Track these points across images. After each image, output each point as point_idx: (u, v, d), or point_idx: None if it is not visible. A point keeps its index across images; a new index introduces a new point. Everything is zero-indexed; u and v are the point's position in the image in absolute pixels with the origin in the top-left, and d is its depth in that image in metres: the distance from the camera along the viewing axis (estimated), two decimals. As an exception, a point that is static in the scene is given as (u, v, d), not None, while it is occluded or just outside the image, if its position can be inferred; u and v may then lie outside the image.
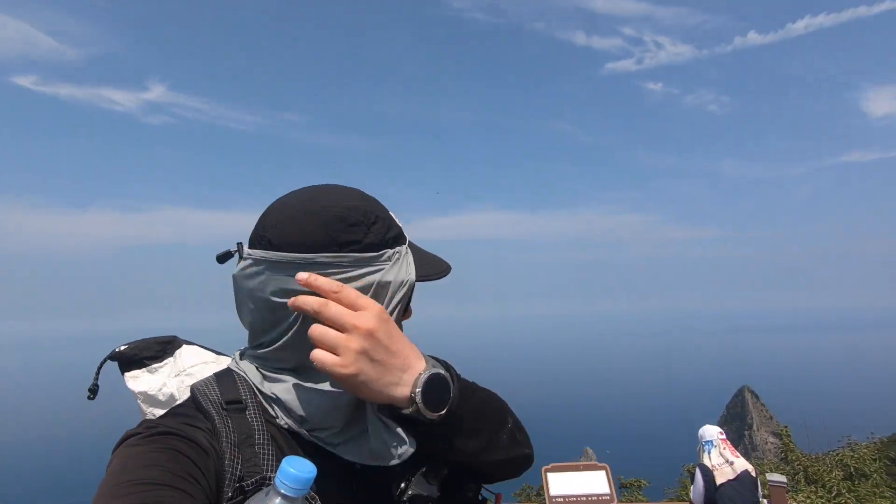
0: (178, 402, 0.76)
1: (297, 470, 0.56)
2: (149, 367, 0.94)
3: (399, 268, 0.74)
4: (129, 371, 0.94)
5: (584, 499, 4.94)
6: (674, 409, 69.22)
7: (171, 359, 0.95)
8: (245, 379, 0.75)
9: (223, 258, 0.77)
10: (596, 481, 5.03)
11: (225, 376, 0.77)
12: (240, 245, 0.75)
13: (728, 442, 4.23)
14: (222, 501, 0.63)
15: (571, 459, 6.52)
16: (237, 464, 0.65)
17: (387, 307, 0.72)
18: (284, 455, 0.62)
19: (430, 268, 0.79)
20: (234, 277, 0.74)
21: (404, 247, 0.76)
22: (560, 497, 4.95)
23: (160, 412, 0.84)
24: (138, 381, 0.92)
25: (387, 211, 0.79)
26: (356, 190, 0.79)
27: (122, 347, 0.94)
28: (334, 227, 0.71)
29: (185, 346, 0.98)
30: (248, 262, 0.72)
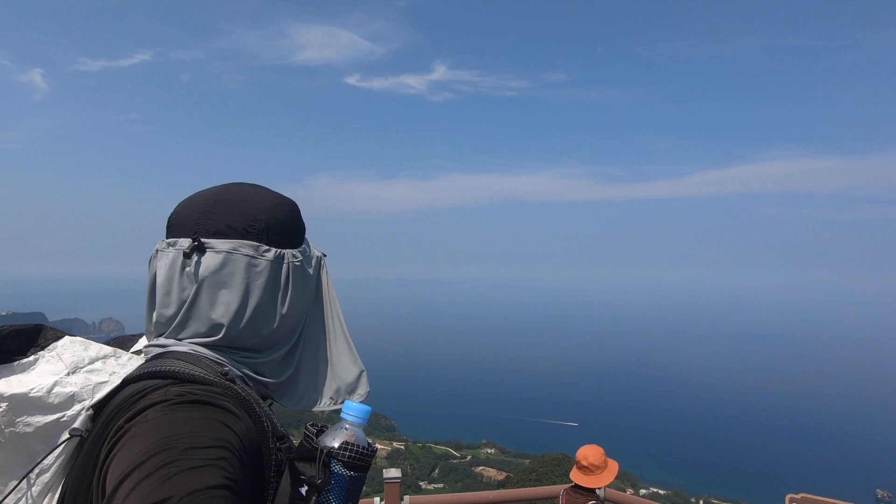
0: (144, 385, 0.70)
1: (359, 405, 0.75)
2: (16, 364, 0.74)
3: (317, 251, 0.99)
4: None
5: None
6: None
7: (45, 353, 0.77)
8: (211, 356, 0.79)
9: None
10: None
11: (183, 356, 0.77)
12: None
13: None
14: (268, 457, 0.69)
15: (846, 495, 4.50)
16: (268, 423, 0.72)
17: (325, 280, 0.99)
18: (274, 417, 0.78)
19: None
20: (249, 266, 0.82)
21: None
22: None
23: (42, 419, 0.70)
24: (7, 381, 0.72)
25: None
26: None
27: None
28: (297, 211, 0.94)
29: (66, 339, 0.81)
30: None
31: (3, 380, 0.72)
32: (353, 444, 0.69)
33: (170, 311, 0.81)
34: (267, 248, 0.84)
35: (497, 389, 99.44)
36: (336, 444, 0.69)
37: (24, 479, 0.69)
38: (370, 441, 0.74)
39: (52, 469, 0.70)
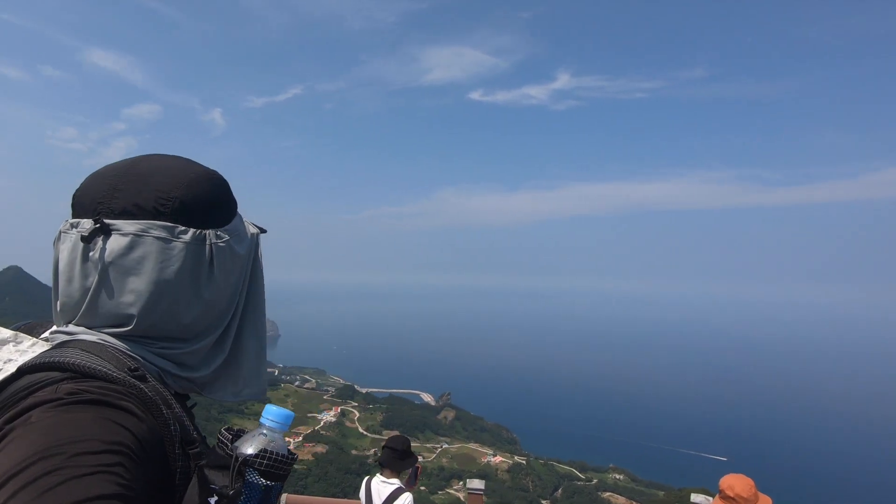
0: (39, 376, 0.62)
1: (279, 409, 0.70)
2: None
3: (251, 227, 0.90)
4: None
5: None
6: None
7: None
8: (121, 348, 0.71)
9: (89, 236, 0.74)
10: None
11: (88, 346, 0.69)
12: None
13: None
14: (174, 463, 0.63)
15: None
16: (175, 427, 0.65)
17: (257, 258, 0.89)
18: (188, 414, 0.73)
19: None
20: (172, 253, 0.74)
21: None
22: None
23: None
24: None
25: None
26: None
27: None
28: (225, 186, 0.86)
29: None
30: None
31: None
32: (270, 452, 0.64)
33: (73, 299, 0.73)
34: (184, 228, 0.74)
35: (626, 411, 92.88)
36: (252, 452, 0.64)
37: None
38: (290, 449, 0.69)
39: None
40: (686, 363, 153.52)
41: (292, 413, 0.69)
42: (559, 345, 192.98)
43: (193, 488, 0.62)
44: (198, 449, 0.67)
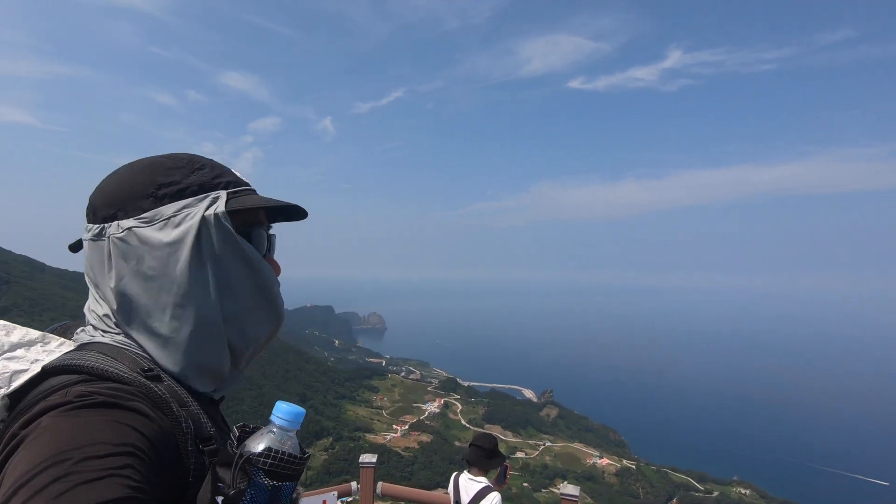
0: (60, 380, 0.63)
1: (290, 407, 0.65)
2: None
3: (217, 205, 0.75)
4: None
5: None
6: None
7: None
8: (133, 348, 0.72)
9: (75, 248, 0.78)
10: None
11: (107, 349, 0.70)
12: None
13: None
14: (187, 460, 0.62)
15: None
16: (188, 425, 0.65)
17: (210, 244, 0.73)
18: (211, 412, 0.73)
19: (266, 202, 0.78)
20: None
21: (225, 189, 0.77)
22: None
23: None
24: None
25: (225, 167, 0.81)
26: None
27: None
28: (153, 170, 0.74)
29: None
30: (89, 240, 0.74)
31: None
32: (275, 451, 0.62)
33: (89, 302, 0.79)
34: (88, 226, 0.74)
35: (753, 421, 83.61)
36: (257, 450, 0.63)
37: None
38: (303, 448, 0.66)
39: None
40: (836, 369, 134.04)
41: (303, 411, 0.67)
42: (673, 346, 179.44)
43: (207, 485, 0.62)
44: (213, 446, 0.66)
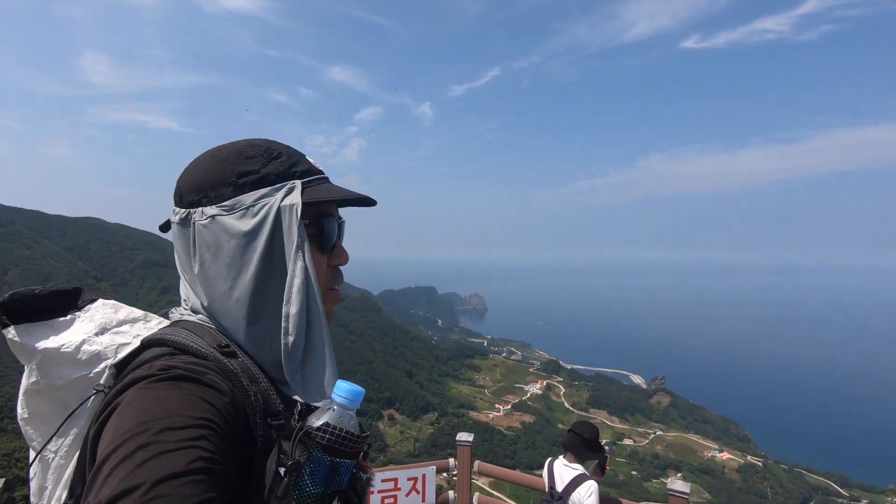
0: (151, 352, 0.71)
1: (350, 386, 0.68)
2: (53, 322, 0.80)
3: (293, 195, 0.78)
4: (18, 324, 0.78)
5: None
6: None
7: (80, 313, 0.82)
8: (214, 328, 0.78)
9: (163, 228, 0.84)
10: None
11: (192, 326, 0.77)
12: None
13: None
14: (256, 434, 0.68)
15: None
16: (257, 399, 0.70)
17: (286, 234, 0.76)
18: (278, 391, 0.75)
19: (338, 193, 0.81)
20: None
21: (300, 179, 0.80)
22: None
23: (73, 373, 0.76)
24: (39, 336, 0.78)
25: (300, 155, 0.84)
26: (273, 140, 0.84)
27: (5, 297, 0.79)
28: (234, 158, 0.78)
29: (100, 301, 0.85)
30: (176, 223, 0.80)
31: (38, 335, 0.78)
32: (333, 427, 0.64)
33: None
34: (176, 210, 0.80)
35: (917, 421, 71.39)
36: (316, 425, 0.65)
37: (61, 427, 0.76)
38: (362, 427, 0.69)
39: (84, 421, 0.75)
40: None
41: (363, 390, 0.69)
42: (809, 333, 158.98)
43: (273, 457, 0.66)
44: (281, 421, 0.70)
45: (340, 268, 0.87)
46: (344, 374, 0.73)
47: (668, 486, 3.04)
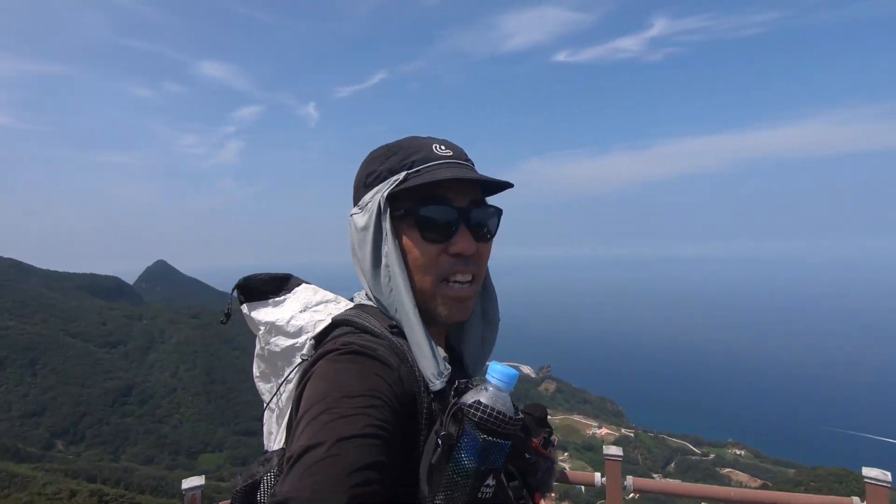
0: (340, 330, 0.83)
1: (504, 368, 0.70)
2: (271, 301, 1.01)
3: (387, 188, 0.85)
4: (251, 302, 1.02)
5: None
6: None
7: (289, 294, 1.02)
8: (385, 311, 0.88)
9: None
10: None
11: (369, 308, 0.89)
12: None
13: None
14: (420, 407, 0.76)
15: None
16: (421, 374, 0.79)
17: (384, 224, 0.85)
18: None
19: (434, 176, 0.81)
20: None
21: (410, 169, 0.84)
22: None
23: (284, 342, 0.96)
24: (263, 312, 1.00)
25: (423, 144, 0.86)
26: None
27: (241, 280, 1.02)
28: (369, 160, 0.91)
29: (303, 285, 1.05)
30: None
31: (261, 311, 1.01)
32: (484, 405, 0.66)
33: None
34: (354, 207, 0.94)
35: (749, 384, 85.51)
36: (468, 402, 0.68)
37: (278, 387, 0.96)
38: (517, 409, 0.71)
39: (294, 383, 0.92)
40: (830, 329, 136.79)
41: (517, 373, 0.70)
42: (666, 316, 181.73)
43: (435, 429, 0.72)
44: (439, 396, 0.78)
45: (470, 256, 0.85)
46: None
47: (605, 452, 3.31)
